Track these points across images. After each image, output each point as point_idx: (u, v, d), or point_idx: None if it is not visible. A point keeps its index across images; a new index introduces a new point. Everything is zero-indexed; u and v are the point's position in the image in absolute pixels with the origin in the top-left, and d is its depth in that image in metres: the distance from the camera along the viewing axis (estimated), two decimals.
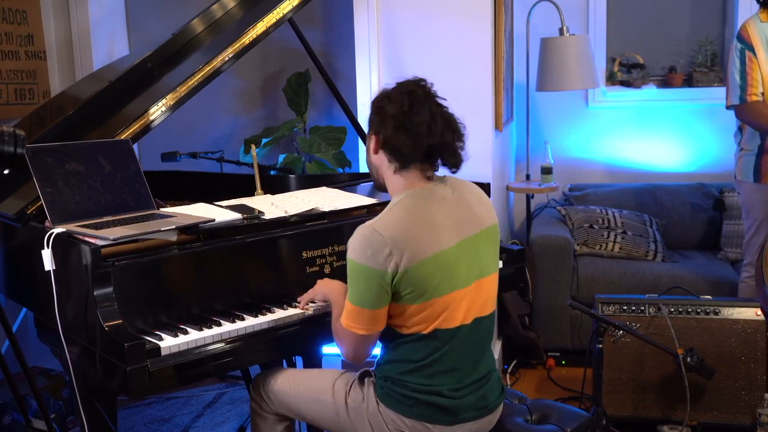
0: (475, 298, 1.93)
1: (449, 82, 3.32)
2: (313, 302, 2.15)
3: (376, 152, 1.95)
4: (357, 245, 1.84)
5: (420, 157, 1.89)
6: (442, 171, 2.01)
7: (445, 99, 1.95)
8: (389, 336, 1.94)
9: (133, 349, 1.78)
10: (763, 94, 3.14)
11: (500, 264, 2.13)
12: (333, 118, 4.25)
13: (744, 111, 3.17)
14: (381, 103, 1.92)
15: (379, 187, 2.05)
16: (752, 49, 3.13)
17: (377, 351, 2.03)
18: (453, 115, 1.93)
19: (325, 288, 2.09)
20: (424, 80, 1.95)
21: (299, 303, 2.15)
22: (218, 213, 2.22)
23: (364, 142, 3.05)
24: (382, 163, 1.95)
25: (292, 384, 2.11)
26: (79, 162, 2.16)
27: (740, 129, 3.32)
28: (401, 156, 1.89)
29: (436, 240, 1.86)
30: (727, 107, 3.25)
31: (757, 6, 3.22)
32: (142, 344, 1.80)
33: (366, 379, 2.02)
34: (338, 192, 2.62)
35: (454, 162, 1.93)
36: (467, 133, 1.96)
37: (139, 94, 2.58)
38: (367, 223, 1.87)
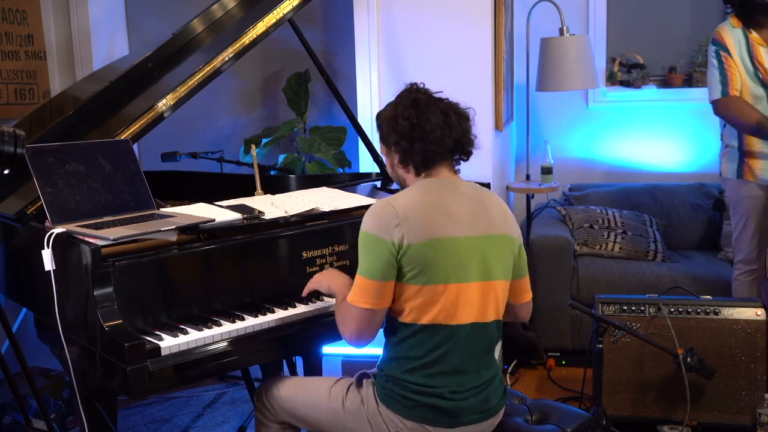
0: (477, 299, 1.93)
1: (449, 82, 3.31)
2: (318, 293, 2.16)
3: (403, 167, 2.02)
4: (369, 217, 1.91)
5: (448, 153, 1.97)
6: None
7: (441, 92, 2.01)
8: (390, 330, 1.96)
9: (133, 349, 1.78)
10: (739, 93, 3.21)
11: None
12: (333, 118, 4.26)
13: (726, 104, 3.23)
14: (391, 124, 1.99)
15: None
16: (727, 51, 3.22)
17: (379, 351, 2.04)
18: (458, 104, 2.01)
19: (329, 279, 2.11)
20: (416, 84, 2.02)
21: (302, 295, 2.16)
22: (218, 213, 2.22)
23: (365, 142, 3.07)
24: (410, 173, 2.02)
25: (293, 390, 2.12)
26: (79, 162, 2.16)
27: (725, 125, 3.37)
28: (426, 161, 1.96)
29: (447, 225, 1.89)
30: (711, 102, 3.31)
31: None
32: (142, 344, 1.81)
33: (364, 381, 2.03)
34: (338, 192, 2.62)
35: (471, 150, 2.03)
36: (474, 115, 2.04)
37: (139, 94, 2.58)
38: (383, 198, 1.95)
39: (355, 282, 1.92)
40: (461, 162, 2.04)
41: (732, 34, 3.23)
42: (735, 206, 3.36)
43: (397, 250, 1.85)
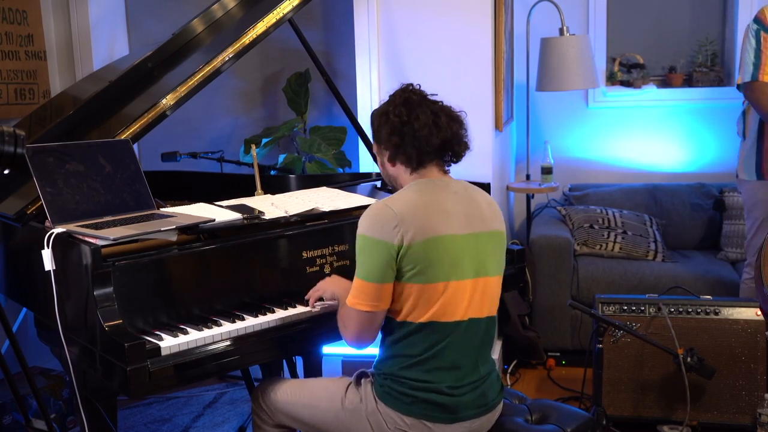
0: (474, 295, 1.95)
1: (449, 82, 3.35)
2: (321, 300, 2.16)
3: (393, 165, 2.04)
4: (367, 219, 1.92)
5: (435, 154, 1.99)
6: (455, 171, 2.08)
7: (436, 94, 2.04)
8: (386, 329, 1.96)
9: (133, 349, 1.78)
10: None
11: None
12: (333, 118, 4.25)
13: (754, 89, 3.14)
14: (381, 121, 2.02)
15: None
16: None
17: (375, 351, 2.04)
18: (451, 107, 2.03)
19: (333, 286, 2.12)
20: (411, 84, 2.04)
21: (306, 300, 2.17)
22: (218, 213, 2.22)
23: (365, 142, 3.07)
24: (399, 172, 2.04)
25: (290, 393, 2.13)
26: (79, 162, 2.16)
27: (743, 114, 3.31)
28: (416, 159, 1.98)
29: (445, 223, 1.91)
30: (738, 84, 3.24)
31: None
32: (142, 344, 1.80)
33: (363, 380, 2.03)
34: (338, 192, 2.62)
35: (460, 152, 2.03)
36: (467, 119, 2.06)
37: (139, 94, 2.58)
38: (379, 200, 1.95)
39: (353, 285, 1.93)
40: (451, 163, 2.06)
41: None
42: (750, 209, 3.32)
43: (397, 251, 1.86)
